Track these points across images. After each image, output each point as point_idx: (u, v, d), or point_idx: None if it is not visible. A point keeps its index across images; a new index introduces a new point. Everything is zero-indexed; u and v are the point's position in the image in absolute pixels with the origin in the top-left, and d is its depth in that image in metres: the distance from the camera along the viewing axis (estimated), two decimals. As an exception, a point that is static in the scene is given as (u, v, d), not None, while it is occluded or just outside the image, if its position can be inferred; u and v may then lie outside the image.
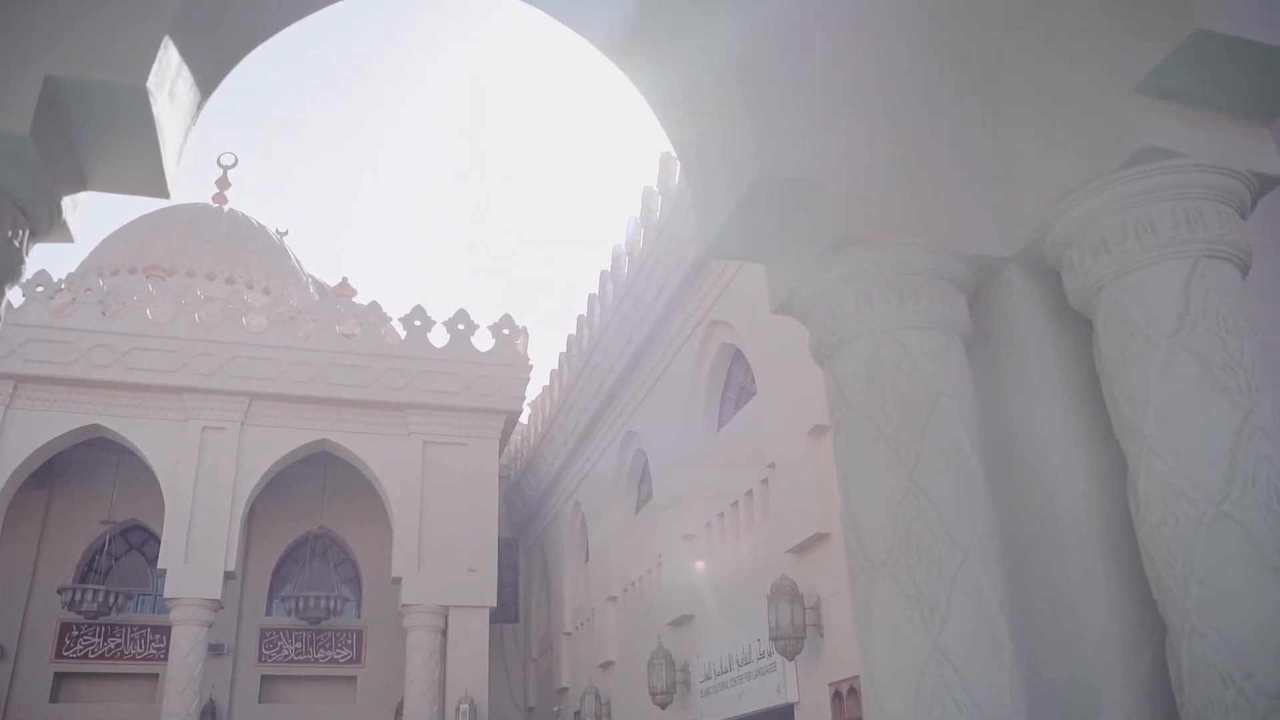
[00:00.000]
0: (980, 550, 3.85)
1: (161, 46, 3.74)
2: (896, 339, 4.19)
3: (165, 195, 4.14)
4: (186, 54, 3.94)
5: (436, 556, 18.78)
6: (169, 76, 3.85)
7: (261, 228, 27.71)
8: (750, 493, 12.46)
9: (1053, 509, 4.12)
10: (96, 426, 18.87)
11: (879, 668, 3.83)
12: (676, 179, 15.16)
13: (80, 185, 4.07)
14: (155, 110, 3.75)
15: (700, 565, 13.58)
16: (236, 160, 28.99)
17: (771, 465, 11.64)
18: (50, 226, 3.95)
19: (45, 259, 46.17)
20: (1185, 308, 3.85)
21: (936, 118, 4.62)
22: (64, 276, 21.55)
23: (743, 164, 4.32)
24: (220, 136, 51.61)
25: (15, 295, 19.85)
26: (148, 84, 3.65)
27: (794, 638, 9.99)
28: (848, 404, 4.21)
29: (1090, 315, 4.23)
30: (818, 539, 10.29)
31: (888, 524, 3.89)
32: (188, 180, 44.89)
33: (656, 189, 16.10)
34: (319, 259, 43.23)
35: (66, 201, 3.99)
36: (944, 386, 4.09)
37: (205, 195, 28.33)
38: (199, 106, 4.27)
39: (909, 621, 3.75)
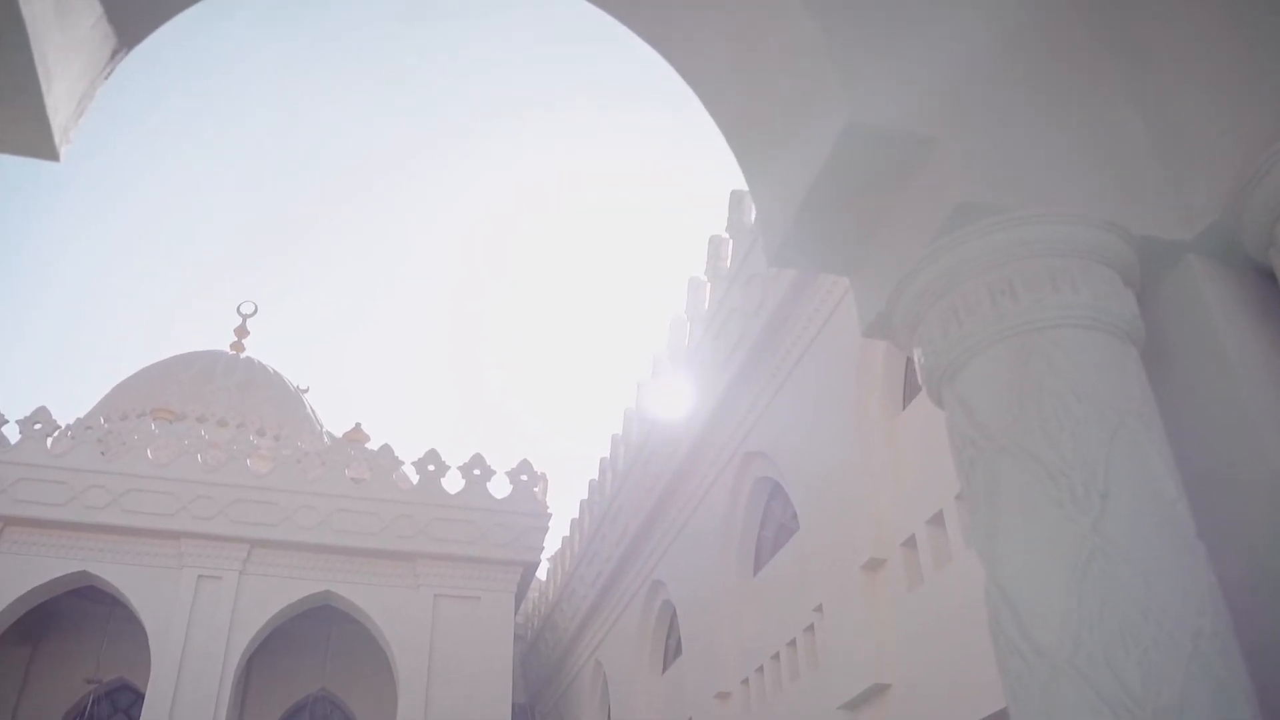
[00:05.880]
0: (1214, 637, 2.52)
1: None
2: (1052, 340, 2.93)
3: (54, 156, 3.09)
4: (90, -34, 2.96)
5: (445, 723, 17.14)
6: (56, -21, 2.86)
7: (277, 375, 27.16)
8: (794, 642, 11.31)
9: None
10: (85, 574, 17.87)
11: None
12: (706, 303, 14.37)
13: (-66, 132, 3.04)
14: (26, 12, 2.74)
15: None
16: (256, 309, 28.62)
17: (818, 608, 10.55)
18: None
19: (47, 398, 45.68)
20: None
21: (1082, 61, 3.51)
22: (71, 421, 20.74)
23: (826, 116, 3.17)
24: (241, 285, 52.19)
25: (11, 431, 18.94)
26: (11, -37, 2.65)
27: (856, 811, 8.54)
28: (986, 435, 2.90)
29: (1325, 307, 3.02)
30: (877, 691, 9.15)
31: (1069, 598, 2.54)
32: (206, 328, 45.02)
33: (685, 316, 15.33)
34: (335, 409, 42.80)
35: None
36: (1127, 403, 2.84)
37: (223, 343, 27.82)
38: (113, 54, 3.27)
39: (1122, 747, 2.40)
